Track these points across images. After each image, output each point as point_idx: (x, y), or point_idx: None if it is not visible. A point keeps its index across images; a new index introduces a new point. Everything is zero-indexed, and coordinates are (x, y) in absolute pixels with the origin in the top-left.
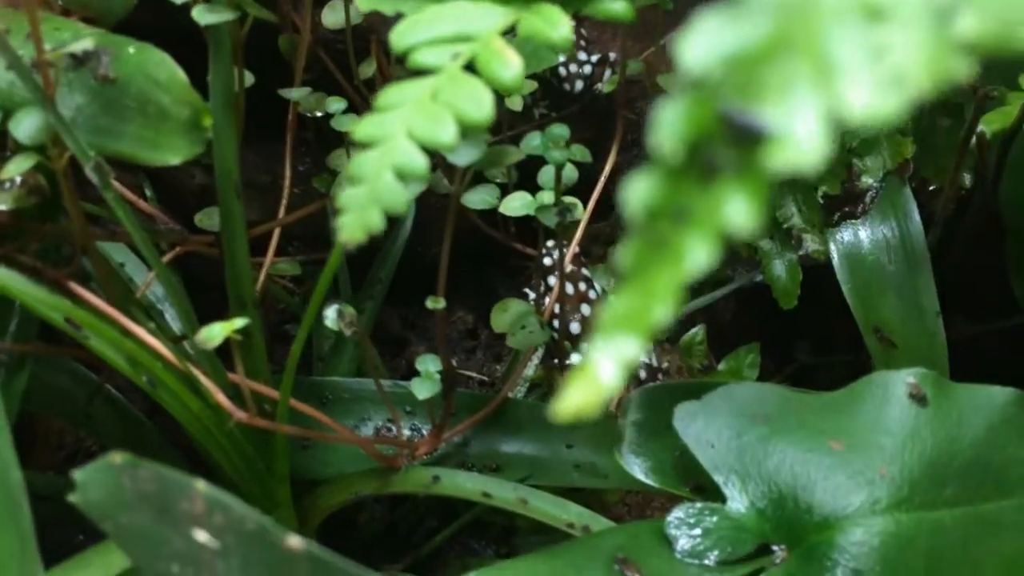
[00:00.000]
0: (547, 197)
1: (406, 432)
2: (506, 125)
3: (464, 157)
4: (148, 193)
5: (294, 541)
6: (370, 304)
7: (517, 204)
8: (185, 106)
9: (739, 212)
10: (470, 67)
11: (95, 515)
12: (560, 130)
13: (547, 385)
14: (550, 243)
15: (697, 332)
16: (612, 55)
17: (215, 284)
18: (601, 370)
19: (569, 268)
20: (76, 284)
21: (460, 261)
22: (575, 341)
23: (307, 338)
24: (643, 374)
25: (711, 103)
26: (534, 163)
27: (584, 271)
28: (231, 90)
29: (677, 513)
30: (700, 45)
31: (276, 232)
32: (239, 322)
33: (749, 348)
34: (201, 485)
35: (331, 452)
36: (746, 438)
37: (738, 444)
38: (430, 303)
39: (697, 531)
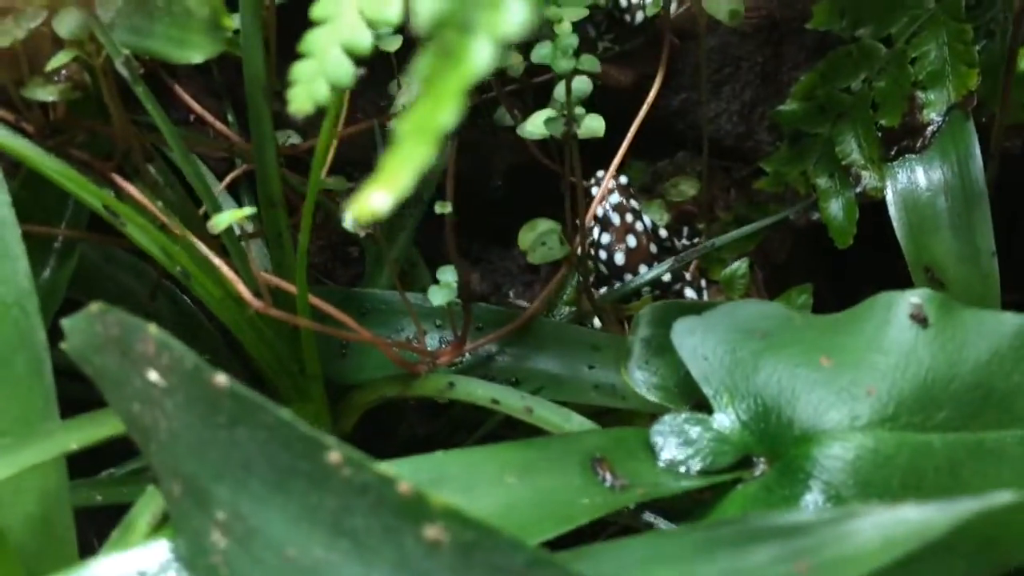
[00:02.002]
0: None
1: (433, 343)
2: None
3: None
4: (230, 119)
5: (220, 378)
6: (411, 221)
7: (534, 125)
8: (206, 6)
9: (517, 15)
10: None
11: (77, 358)
12: (571, 39)
13: (579, 309)
14: (600, 173)
15: (740, 266)
16: None
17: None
18: (395, 177)
19: (618, 200)
20: (119, 177)
21: (522, 195)
22: (619, 272)
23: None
24: None
25: None
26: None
27: (633, 203)
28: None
29: (662, 422)
30: None
31: (331, 148)
32: (247, 210)
33: (801, 289)
34: (152, 328)
35: (365, 358)
36: (740, 352)
37: (731, 358)
38: (438, 207)
39: (680, 440)
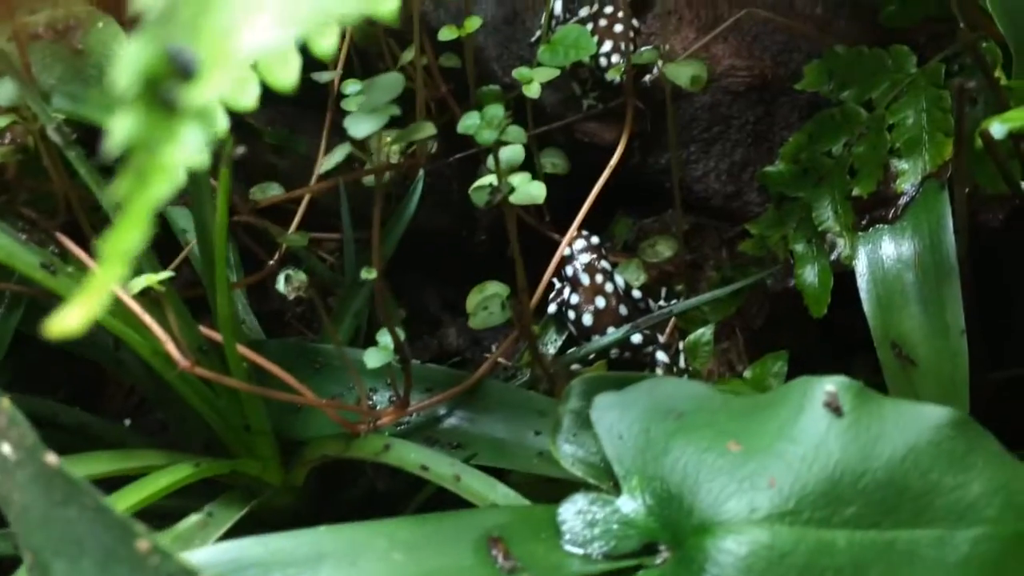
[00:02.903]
0: (516, 179)
1: (384, 402)
2: (552, 114)
3: (359, 130)
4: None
5: (51, 458)
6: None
7: (474, 192)
8: None
9: (193, 144)
10: None
11: None
12: (495, 110)
13: (532, 372)
14: (572, 231)
15: (704, 333)
16: (666, 47)
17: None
18: (91, 299)
19: (588, 259)
20: (63, 235)
21: (506, 249)
22: (587, 333)
23: None
24: (660, 372)
25: (160, 41)
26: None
27: (604, 263)
28: None
29: (571, 500)
30: None
31: (304, 203)
32: (165, 274)
33: (777, 356)
34: (4, 402)
35: (316, 414)
36: (653, 433)
37: (644, 439)
38: (363, 273)
39: (586, 522)
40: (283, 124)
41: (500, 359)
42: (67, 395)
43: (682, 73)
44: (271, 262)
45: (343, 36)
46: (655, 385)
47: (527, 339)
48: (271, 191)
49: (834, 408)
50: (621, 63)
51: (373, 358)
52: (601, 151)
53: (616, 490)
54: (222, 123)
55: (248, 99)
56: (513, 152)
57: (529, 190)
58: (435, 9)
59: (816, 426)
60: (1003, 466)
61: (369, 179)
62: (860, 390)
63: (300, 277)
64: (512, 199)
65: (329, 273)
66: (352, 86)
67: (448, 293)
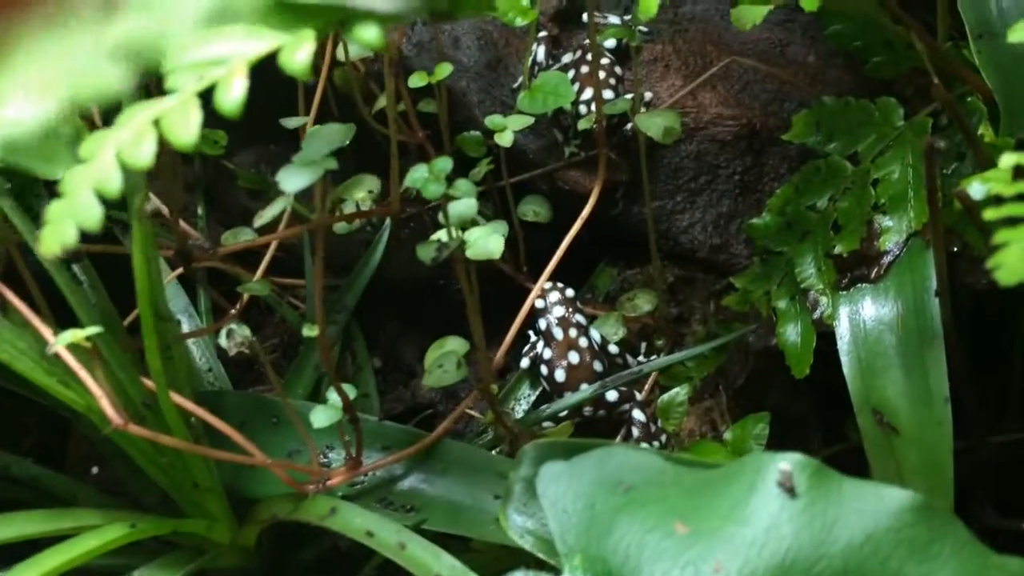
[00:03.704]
0: (475, 233)
1: (339, 460)
2: (535, 160)
3: (292, 183)
4: (200, 211)
5: None
6: (333, 329)
7: (422, 249)
8: (70, 124)
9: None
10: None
11: None
12: (443, 163)
13: (495, 432)
14: (547, 284)
15: (678, 393)
16: (648, 95)
17: None
18: None
19: (562, 312)
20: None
21: (492, 300)
22: (560, 389)
23: None
24: (636, 432)
25: None
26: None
27: (578, 316)
28: None
29: None
30: None
31: (271, 249)
32: (92, 330)
33: (758, 417)
34: None
35: (268, 474)
36: (599, 508)
37: (590, 514)
38: (305, 330)
39: None
40: (269, 165)
41: (474, 412)
42: (34, 445)
43: (654, 124)
44: (232, 311)
45: (317, 79)
46: (605, 455)
47: (486, 398)
48: (243, 236)
49: (788, 488)
50: (592, 113)
51: (320, 416)
52: (582, 199)
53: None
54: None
55: (144, 157)
56: (465, 207)
57: (487, 245)
58: (417, 54)
59: (768, 507)
60: (972, 556)
61: (341, 226)
62: (817, 469)
63: (243, 332)
64: (469, 254)
65: (300, 320)
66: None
67: (426, 343)
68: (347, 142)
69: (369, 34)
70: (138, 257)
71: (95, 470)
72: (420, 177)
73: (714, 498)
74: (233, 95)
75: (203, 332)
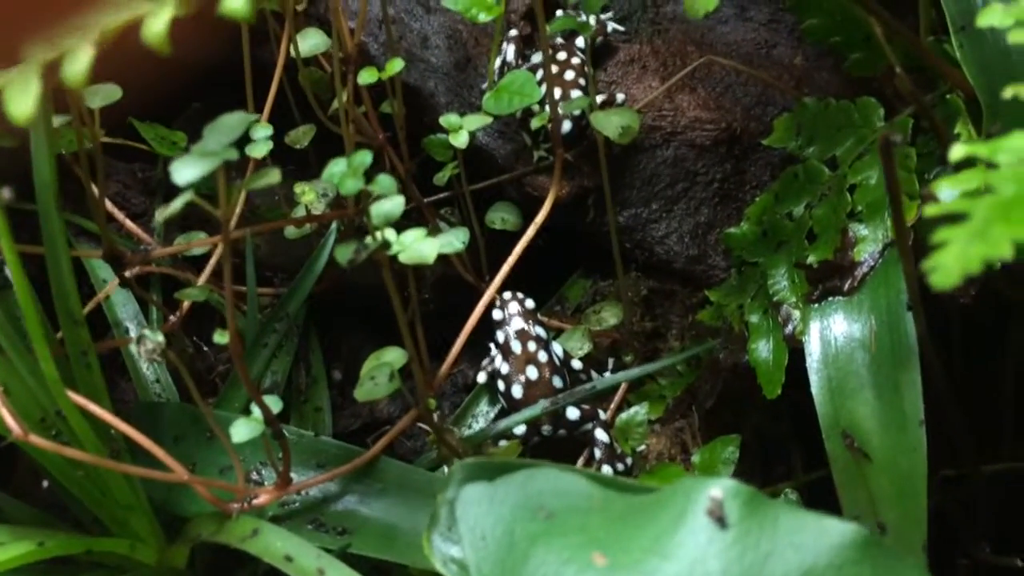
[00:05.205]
0: (409, 236)
1: (272, 478)
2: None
3: (185, 175)
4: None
5: None
6: (273, 337)
7: (344, 247)
8: None
9: None
10: None
11: None
12: (362, 157)
13: (439, 451)
14: (506, 295)
15: (637, 412)
16: (620, 96)
17: None
18: None
19: (520, 326)
20: None
21: (458, 310)
22: (517, 406)
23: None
24: (599, 453)
25: None
26: None
27: (538, 329)
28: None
29: None
30: None
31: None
32: None
33: (728, 440)
34: None
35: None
36: (517, 535)
37: (508, 542)
38: (217, 337)
39: None
40: (237, 171)
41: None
42: None
43: (610, 123)
44: (172, 317)
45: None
46: (529, 477)
47: (423, 415)
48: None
49: (718, 518)
50: (546, 112)
51: (241, 430)
52: (555, 206)
53: None
54: None
55: None
56: (391, 205)
57: (420, 248)
58: (384, 53)
59: (695, 539)
60: None
61: (290, 230)
62: (751, 497)
63: (156, 339)
64: (403, 258)
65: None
66: (262, 130)
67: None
68: (307, 143)
69: (235, 4)
70: (49, 257)
71: (45, 484)
72: (338, 172)
73: (639, 527)
74: (79, 67)
75: (125, 341)
